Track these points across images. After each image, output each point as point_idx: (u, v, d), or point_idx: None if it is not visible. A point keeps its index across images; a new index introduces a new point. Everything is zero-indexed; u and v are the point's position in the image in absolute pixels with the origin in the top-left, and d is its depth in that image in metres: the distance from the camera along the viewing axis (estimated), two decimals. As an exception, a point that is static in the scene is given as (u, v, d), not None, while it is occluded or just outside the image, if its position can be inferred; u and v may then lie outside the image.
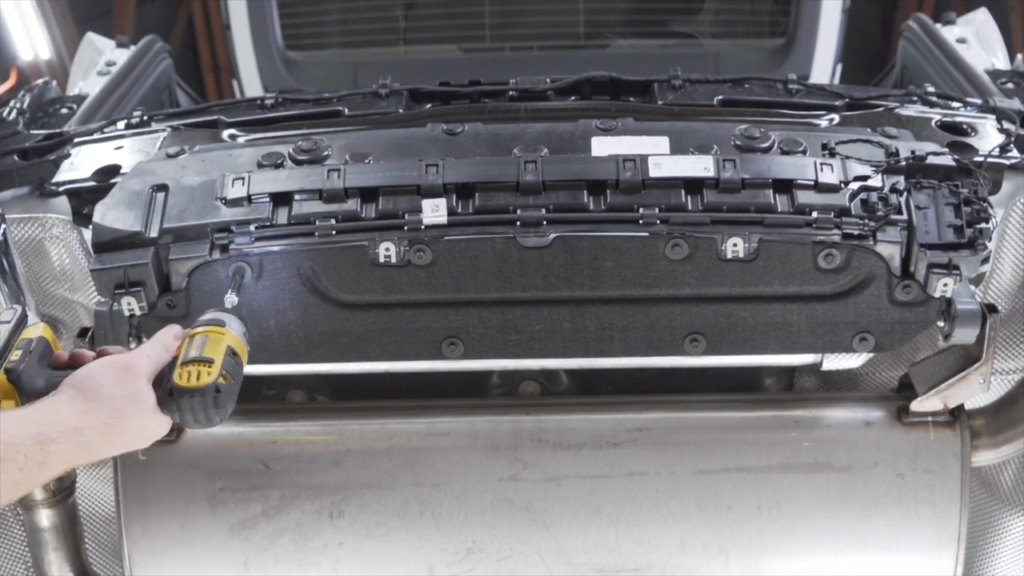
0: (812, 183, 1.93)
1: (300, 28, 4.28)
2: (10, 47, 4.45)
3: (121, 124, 2.43)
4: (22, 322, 1.62)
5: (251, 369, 2.15)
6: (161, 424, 1.56)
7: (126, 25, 4.67)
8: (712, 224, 1.92)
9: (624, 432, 2.19)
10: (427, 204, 1.92)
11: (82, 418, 1.45)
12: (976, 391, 2.08)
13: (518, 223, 1.92)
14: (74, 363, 1.60)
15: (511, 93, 2.46)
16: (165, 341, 1.60)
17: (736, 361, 2.21)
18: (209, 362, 1.56)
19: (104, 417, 1.47)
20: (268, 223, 1.93)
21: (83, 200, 2.11)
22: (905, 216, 1.92)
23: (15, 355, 1.56)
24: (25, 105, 2.66)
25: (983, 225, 1.90)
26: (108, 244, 1.92)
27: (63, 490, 2.16)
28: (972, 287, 2.01)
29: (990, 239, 1.91)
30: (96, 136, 2.36)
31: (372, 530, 2.19)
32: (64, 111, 2.74)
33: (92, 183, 2.14)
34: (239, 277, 1.89)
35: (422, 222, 1.91)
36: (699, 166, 1.95)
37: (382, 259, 1.92)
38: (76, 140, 2.32)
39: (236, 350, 1.61)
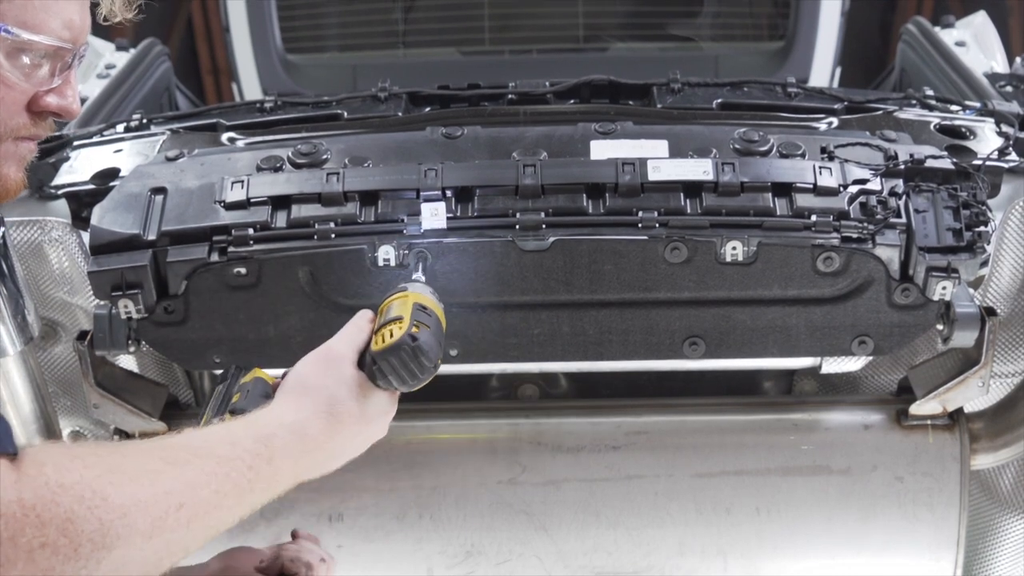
0: (811, 186, 1.93)
1: (299, 31, 4.27)
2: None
3: (120, 127, 2.44)
4: (238, 373, 1.65)
5: (250, 373, 2.16)
6: (381, 401, 1.54)
7: (125, 28, 4.67)
8: (711, 227, 1.91)
9: (623, 435, 2.19)
10: (426, 208, 1.92)
11: (297, 412, 1.44)
12: (975, 394, 2.09)
13: (517, 227, 1.92)
14: None
15: (510, 96, 2.46)
16: (359, 324, 1.59)
17: (735, 364, 2.21)
18: (398, 319, 1.55)
19: (320, 406, 1.45)
20: (267, 226, 1.93)
21: (82, 203, 2.11)
22: (904, 219, 1.92)
23: (236, 397, 1.59)
24: (24, 108, 2.66)
25: (982, 228, 1.90)
26: (105, 246, 1.92)
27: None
28: (971, 290, 2.01)
29: (989, 242, 1.91)
30: (95, 139, 2.36)
31: (371, 533, 2.19)
32: (63, 114, 2.73)
33: (91, 186, 2.14)
34: (422, 261, 1.90)
35: (421, 226, 1.92)
36: (698, 169, 1.95)
37: (381, 262, 1.92)
38: (75, 143, 2.32)
39: (424, 304, 1.60)
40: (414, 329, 1.52)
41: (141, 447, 1.35)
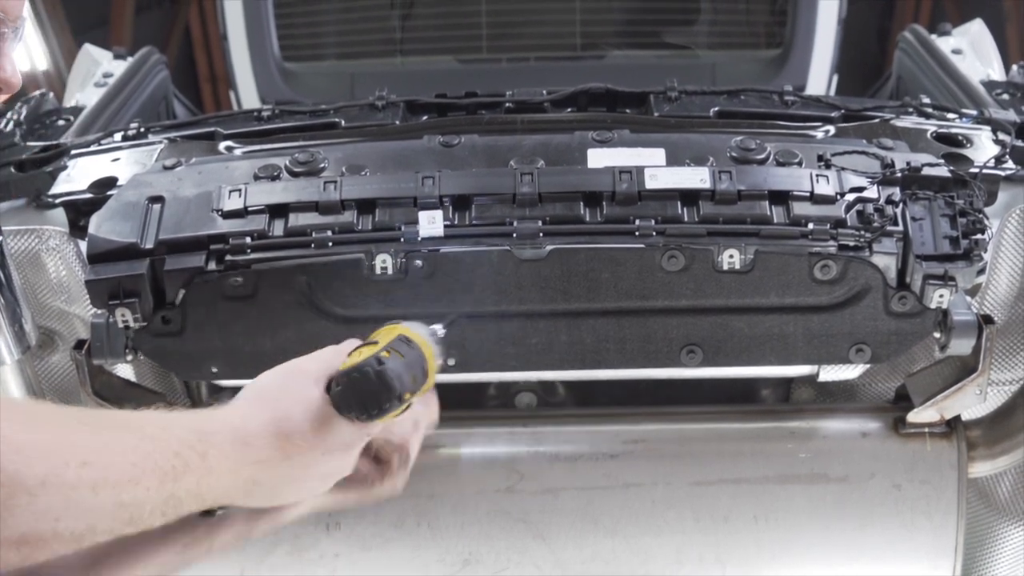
0: (808, 195, 1.93)
1: (297, 39, 4.28)
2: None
3: (118, 136, 2.44)
4: None
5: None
6: (343, 433, 1.38)
7: (123, 36, 4.68)
8: (708, 236, 1.92)
9: (621, 443, 2.19)
10: (423, 216, 1.92)
11: (244, 420, 1.32)
12: (972, 402, 2.08)
13: (514, 235, 1.92)
14: None
15: (507, 105, 2.46)
16: (338, 348, 1.46)
17: (733, 372, 2.21)
18: (372, 343, 1.41)
19: (267, 419, 1.33)
20: (264, 235, 1.93)
21: (80, 212, 2.11)
22: (901, 227, 1.92)
23: None
24: (22, 116, 2.66)
25: (979, 236, 1.90)
26: (103, 255, 1.92)
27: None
28: (968, 298, 2.02)
29: (986, 250, 1.91)
30: (93, 148, 2.36)
31: (368, 541, 2.19)
32: (61, 122, 2.74)
33: (89, 195, 2.13)
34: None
35: (418, 234, 1.92)
36: (695, 178, 1.95)
37: (378, 271, 1.92)
38: (73, 152, 2.32)
39: (409, 338, 1.44)
40: (384, 354, 1.39)
41: (63, 408, 1.24)
